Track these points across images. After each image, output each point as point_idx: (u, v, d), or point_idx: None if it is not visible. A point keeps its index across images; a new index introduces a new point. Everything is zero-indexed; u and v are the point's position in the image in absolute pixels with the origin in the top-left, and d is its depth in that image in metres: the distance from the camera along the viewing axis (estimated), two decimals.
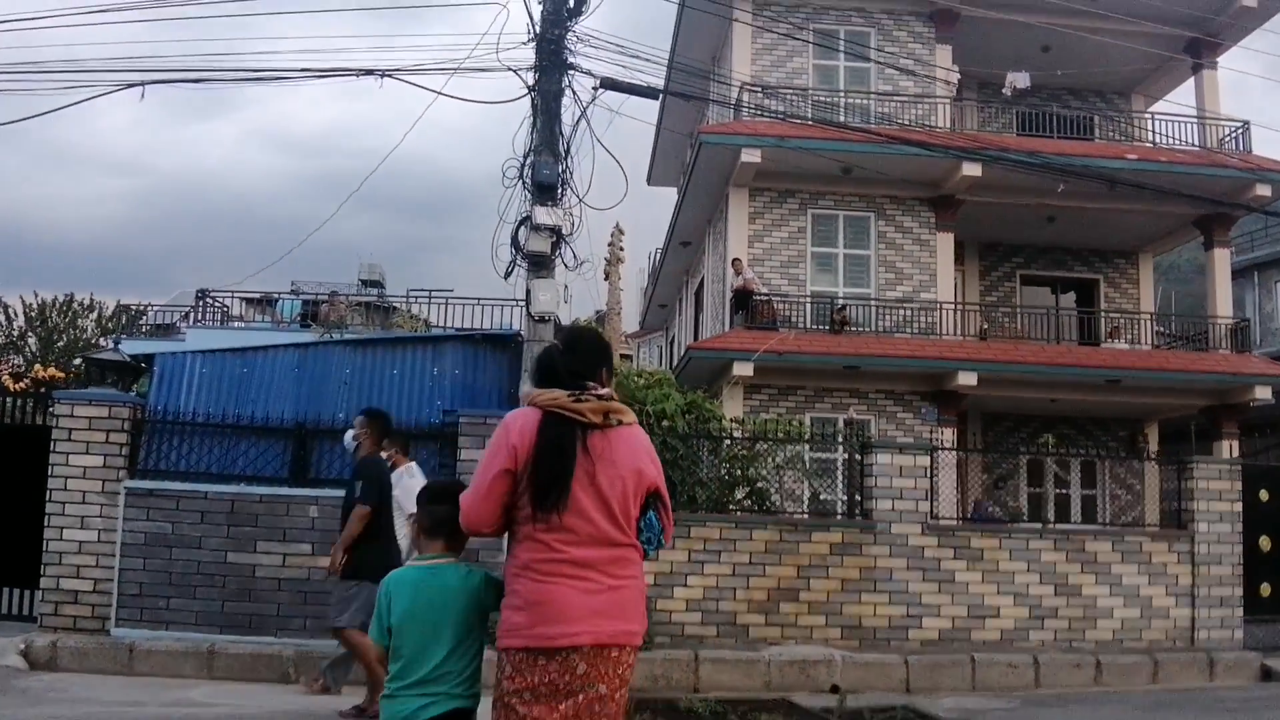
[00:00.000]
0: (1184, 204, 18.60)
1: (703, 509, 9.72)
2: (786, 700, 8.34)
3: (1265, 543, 10.60)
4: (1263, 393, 17.96)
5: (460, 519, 3.21)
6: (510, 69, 8.76)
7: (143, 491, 8.47)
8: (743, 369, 16.44)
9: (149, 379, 9.32)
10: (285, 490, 8.52)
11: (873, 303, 18.21)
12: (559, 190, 9.04)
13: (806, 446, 11.15)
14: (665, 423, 9.97)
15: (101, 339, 33.20)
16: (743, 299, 17.48)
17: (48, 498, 8.43)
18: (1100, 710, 8.30)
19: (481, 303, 17.49)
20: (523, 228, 9.07)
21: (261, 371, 9.10)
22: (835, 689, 8.68)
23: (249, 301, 21.27)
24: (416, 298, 17.55)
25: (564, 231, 9.05)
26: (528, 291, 9.01)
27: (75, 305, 35.83)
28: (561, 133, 9.04)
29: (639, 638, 3.21)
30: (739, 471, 10.18)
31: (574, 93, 8.95)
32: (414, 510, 4.37)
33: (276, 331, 17.65)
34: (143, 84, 8.79)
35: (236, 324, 20.55)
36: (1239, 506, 10.51)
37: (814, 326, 17.85)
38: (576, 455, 3.10)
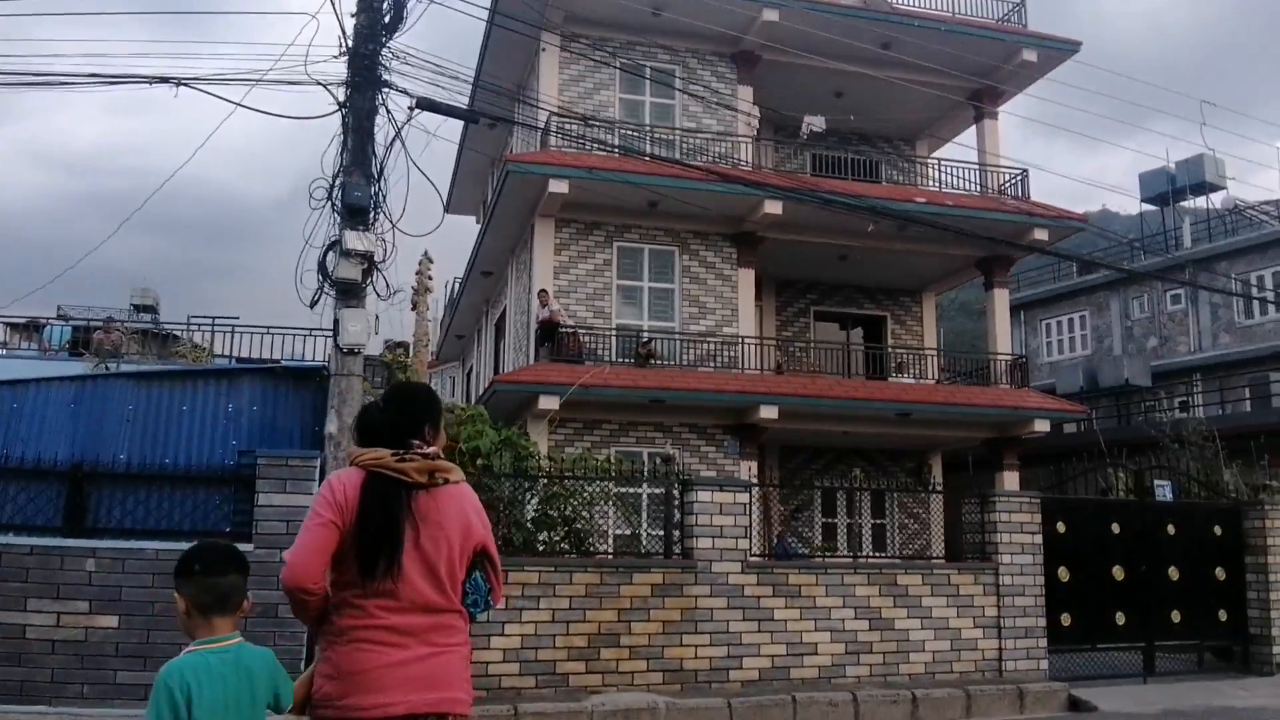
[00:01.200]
0: (967, 246, 19.69)
1: (521, 552, 9.22)
2: None
3: (1064, 573, 11.03)
4: (1041, 426, 19.13)
5: (284, 577, 2.93)
6: (320, 83, 8.07)
7: None
8: (548, 403, 16.02)
9: None
10: (59, 541, 7.43)
11: (677, 337, 18.24)
12: (371, 214, 8.40)
13: (614, 485, 10.81)
14: (480, 461, 9.43)
15: None
16: (549, 331, 17.10)
17: None
18: None
19: (274, 332, 16.42)
20: (331, 253, 8.37)
21: (33, 407, 7.93)
22: None
23: (11, 327, 19.18)
24: (201, 325, 16.20)
25: (376, 258, 8.40)
26: (336, 322, 8.30)
27: None
28: (375, 153, 8.41)
29: (464, 706, 3.09)
30: (554, 512, 9.75)
31: (388, 111, 8.36)
32: None
33: (43, 361, 15.91)
34: None
35: None
36: (1039, 538, 10.89)
37: (620, 360, 17.68)
38: (403, 517, 3.00)
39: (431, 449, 3.17)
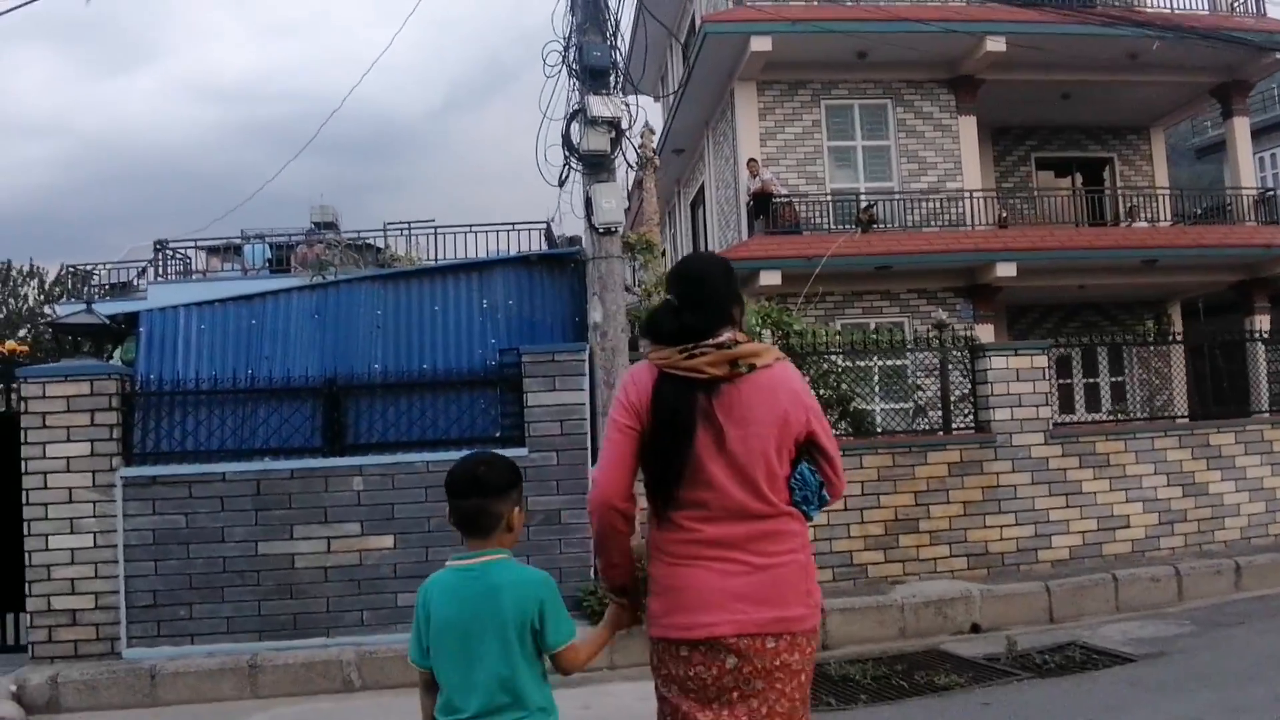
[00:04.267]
0: (1202, 72, 17.43)
1: None
2: (938, 650, 7.12)
3: None
4: None
5: (590, 499, 2.76)
6: None
7: (144, 480, 6.91)
8: (770, 278, 15.04)
9: (134, 342, 7.66)
10: (321, 461, 7.02)
11: (896, 197, 16.85)
12: (611, 76, 7.47)
13: (884, 359, 9.79)
14: None
15: (47, 307, 30.89)
16: (762, 203, 16.02)
17: (24, 500, 6.83)
18: (1270, 629, 7.10)
19: (475, 230, 15.94)
20: (574, 123, 7.53)
21: (274, 321, 7.47)
22: (975, 628, 7.62)
23: (210, 251, 19.36)
24: (399, 230, 15.82)
25: (622, 125, 7.50)
26: (587, 200, 7.49)
27: (14, 272, 33.38)
28: (607, 4, 7.45)
29: (804, 623, 2.72)
30: (831, 392, 8.84)
31: None
32: None
33: (247, 281, 15.90)
34: None
35: (198, 276, 18.76)
36: None
37: (837, 227, 16.48)
38: (696, 421, 2.68)
39: (727, 335, 2.76)
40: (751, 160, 16.16)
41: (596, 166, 7.59)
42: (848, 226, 16.38)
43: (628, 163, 7.87)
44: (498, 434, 7.35)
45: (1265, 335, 10.39)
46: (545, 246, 15.38)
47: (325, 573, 6.93)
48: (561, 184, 7.72)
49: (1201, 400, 9.86)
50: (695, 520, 2.70)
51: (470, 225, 15.77)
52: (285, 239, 18.88)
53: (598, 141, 7.46)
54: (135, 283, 19.72)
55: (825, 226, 16.43)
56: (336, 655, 6.60)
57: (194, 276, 18.57)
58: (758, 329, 8.79)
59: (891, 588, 7.93)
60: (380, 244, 18.37)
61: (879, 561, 8.14)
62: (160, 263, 18.36)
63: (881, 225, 16.41)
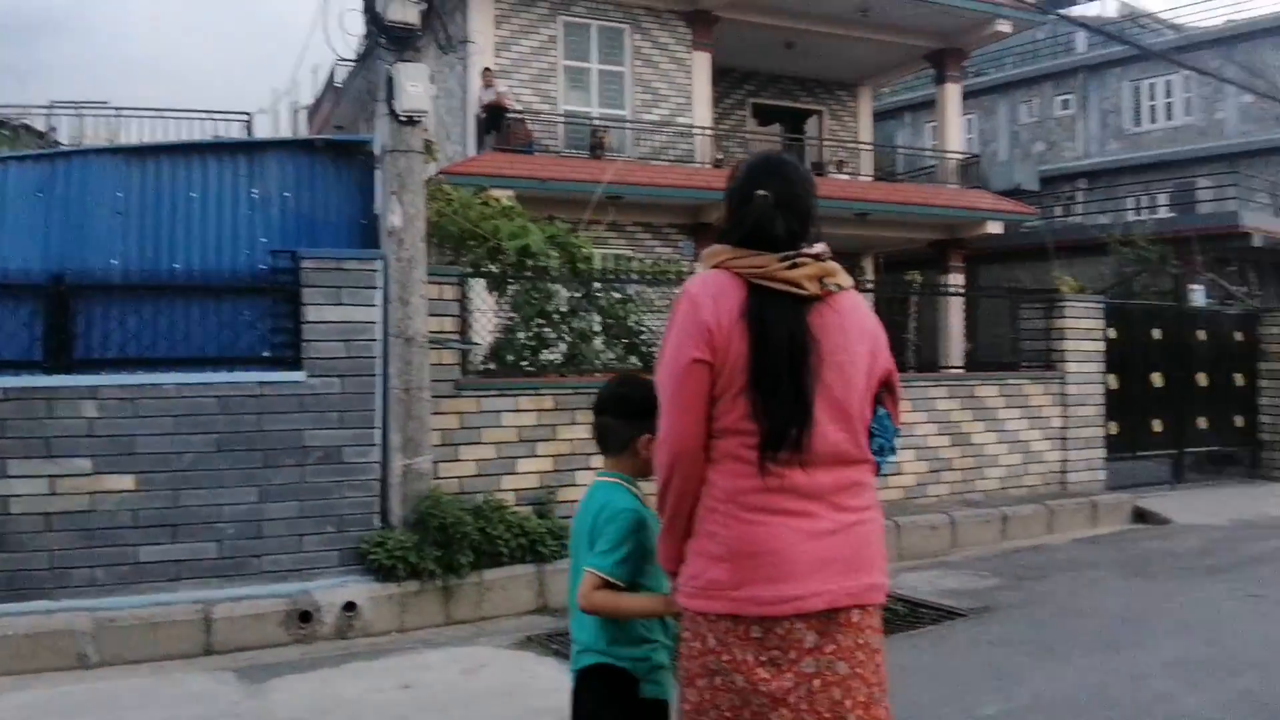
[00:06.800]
0: (922, 36, 18.46)
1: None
2: None
3: (1113, 381, 10.46)
4: (994, 227, 18.56)
5: (665, 455, 2.24)
6: None
7: None
8: (501, 198, 14.08)
9: None
10: (43, 380, 5.37)
11: (628, 126, 16.43)
12: None
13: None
14: (531, 263, 7.77)
15: None
16: (495, 117, 14.99)
17: None
18: (1078, 583, 7.39)
19: (167, 117, 13.61)
20: None
21: None
22: None
23: None
24: (91, 112, 13.20)
25: None
26: (389, 81, 6.27)
27: None
28: None
29: (884, 594, 2.31)
30: (620, 324, 8.25)
31: None
32: None
33: None
34: None
35: None
36: (1102, 345, 10.25)
37: (569, 150, 15.84)
38: (809, 346, 2.20)
39: (820, 246, 2.31)
40: (486, 70, 15.03)
41: (402, 43, 6.40)
42: (578, 151, 15.83)
43: (438, 45, 6.73)
44: (267, 353, 6.03)
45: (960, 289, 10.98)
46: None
47: (48, 520, 5.32)
48: (362, 59, 6.49)
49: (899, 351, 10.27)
50: (785, 464, 2.18)
51: (161, 110, 13.45)
52: None
53: (406, 12, 6.28)
54: None
55: (556, 149, 15.74)
56: (67, 624, 5.11)
57: None
58: (548, 252, 7.98)
59: None
60: (44, 127, 15.34)
61: None
62: None
63: (613, 153, 15.96)
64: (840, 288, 2.30)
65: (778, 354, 2.19)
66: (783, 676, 2.17)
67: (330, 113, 23.90)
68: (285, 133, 27.41)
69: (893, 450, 2.43)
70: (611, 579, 2.44)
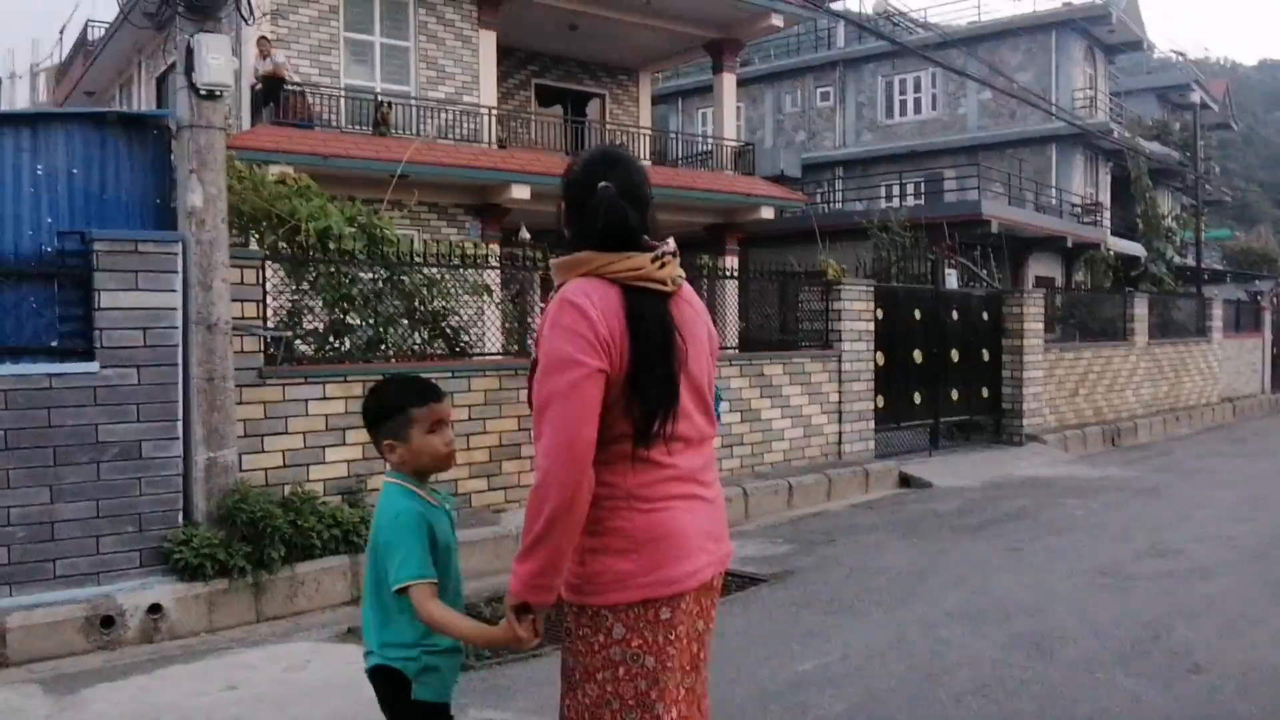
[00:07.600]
0: (701, 25, 19.05)
1: (408, 357, 7.71)
2: None
3: (880, 358, 11.30)
4: (767, 212, 19.44)
5: (559, 471, 2.14)
6: None
7: None
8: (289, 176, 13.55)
9: None
10: None
11: (414, 103, 16.12)
12: None
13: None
14: (332, 245, 7.59)
15: None
16: (272, 89, 14.35)
17: None
18: (862, 546, 8.03)
19: None
20: None
21: None
22: None
23: None
24: None
25: None
26: (189, 52, 5.96)
27: None
28: None
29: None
30: (424, 308, 8.18)
31: None
32: None
33: None
34: None
35: None
36: (873, 325, 11.08)
37: (351, 127, 15.39)
38: (683, 346, 2.34)
39: (671, 243, 2.40)
40: (263, 38, 14.31)
41: (202, 11, 6.10)
42: (360, 128, 15.41)
43: (240, 15, 6.43)
44: (54, 342, 5.66)
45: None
46: None
47: None
48: (161, 26, 6.14)
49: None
50: (669, 453, 2.33)
51: None
52: None
53: None
54: None
55: (337, 125, 15.26)
56: None
57: None
58: (351, 234, 7.79)
59: (497, 517, 7.63)
60: None
61: (482, 490, 7.75)
62: None
63: (397, 131, 15.63)
64: (683, 278, 2.43)
65: (663, 353, 2.28)
66: (679, 644, 2.33)
67: (82, 76, 22.06)
68: (24, 99, 25.32)
69: (718, 416, 2.63)
70: (430, 579, 2.41)
